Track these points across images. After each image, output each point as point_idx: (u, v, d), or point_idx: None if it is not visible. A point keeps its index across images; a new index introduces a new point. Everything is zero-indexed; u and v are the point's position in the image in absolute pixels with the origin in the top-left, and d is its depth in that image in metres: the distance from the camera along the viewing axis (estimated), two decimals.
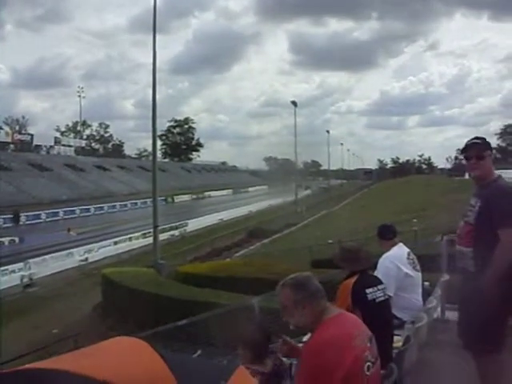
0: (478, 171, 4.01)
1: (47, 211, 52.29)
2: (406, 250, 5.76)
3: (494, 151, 4.41)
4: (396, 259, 5.51)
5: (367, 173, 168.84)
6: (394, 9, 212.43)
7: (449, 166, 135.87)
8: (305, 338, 5.31)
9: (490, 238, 3.73)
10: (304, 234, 40.17)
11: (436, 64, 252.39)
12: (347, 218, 45.58)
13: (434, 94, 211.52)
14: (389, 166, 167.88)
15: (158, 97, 26.07)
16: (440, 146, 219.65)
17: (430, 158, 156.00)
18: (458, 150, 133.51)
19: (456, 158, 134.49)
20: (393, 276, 5.35)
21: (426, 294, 5.88)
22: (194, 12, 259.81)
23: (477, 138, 4.12)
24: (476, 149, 4.00)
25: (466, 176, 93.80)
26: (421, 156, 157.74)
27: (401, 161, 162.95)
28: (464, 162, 4.24)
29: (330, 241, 28.07)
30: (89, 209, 58.78)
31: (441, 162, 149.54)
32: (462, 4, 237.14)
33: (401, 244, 5.75)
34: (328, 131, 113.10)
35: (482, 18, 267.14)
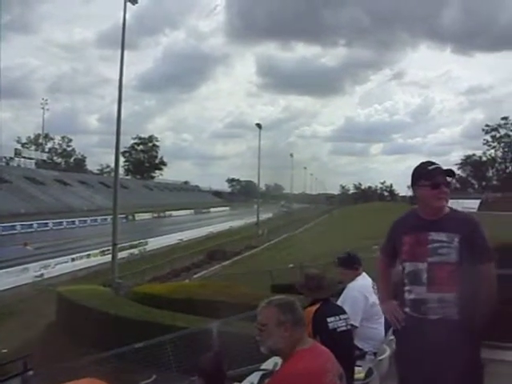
0: (444, 202, 3.38)
1: (3, 224, 51.15)
2: (370, 280, 5.71)
3: (453, 181, 4.01)
4: (363, 289, 5.44)
5: (329, 198, 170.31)
6: (361, 37, 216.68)
7: (410, 193, 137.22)
8: (263, 366, 5.22)
9: (472, 277, 3.19)
10: (265, 257, 40.09)
11: (401, 93, 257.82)
12: (308, 243, 45.63)
13: (398, 122, 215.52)
14: (351, 191, 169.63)
15: (123, 113, 26.01)
16: (402, 173, 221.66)
17: (391, 186, 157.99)
18: None
19: None
20: (360, 307, 5.25)
21: (388, 324, 5.83)
22: (165, 30, 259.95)
23: (435, 163, 3.46)
24: (445, 175, 3.38)
25: None
26: (383, 183, 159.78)
27: (363, 187, 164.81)
28: (420, 189, 3.44)
29: (291, 265, 28.02)
30: (47, 223, 57.85)
31: (402, 190, 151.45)
32: (426, 36, 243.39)
33: (365, 274, 5.69)
34: (292, 155, 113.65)
35: (445, 51, 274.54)
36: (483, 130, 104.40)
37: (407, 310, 3.41)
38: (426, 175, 3.40)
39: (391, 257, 3.69)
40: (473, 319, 3.19)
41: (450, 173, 3.41)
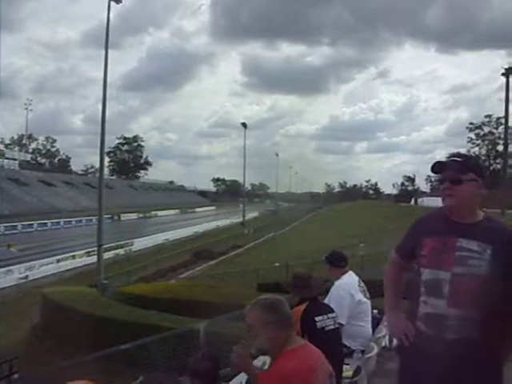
0: (453, 200, 2.79)
1: None
2: (356, 277, 5.73)
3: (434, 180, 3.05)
4: (349, 287, 5.45)
5: (315, 196, 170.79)
6: (346, 36, 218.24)
7: (395, 191, 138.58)
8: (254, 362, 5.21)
9: (502, 295, 2.63)
10: (251, 257, 40.13)
11: (385, 92, 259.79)
12: (294, 241, 45.73)
13: (383, 121, 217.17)
14: (336, 190, 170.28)
15: (107, 113, 25.89)
16: (387, 172, 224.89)
17: (376, 184, 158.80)
18: (405, 176, 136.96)
19: (402, 184, 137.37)
20: (346, 304, 5.28)
21: (375, 321, 5.85)
22: (149, 29, 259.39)
23: (458, 154, 2.94)
24: (451, 169, 2.82)
25: (412, 202, 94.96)
26: (368, 181, 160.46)
27: (348, 185, 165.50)
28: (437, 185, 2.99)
29: (277, 264, 28.09)
30: (31, 225, 57.35)
31: (387, 188, 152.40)
32: (411, 34, 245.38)
33: (351, 272, 5.71)
34: (277, 154, 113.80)
35: (429, 50, 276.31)
36: (467, 127, 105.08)
37: (419, 324, 2.86)
38: (438, 168, 2.92)
39: (407, 259, 3.14)
40: (497, 345, 2.73)
41: (443, 166, 2.88)
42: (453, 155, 2.90)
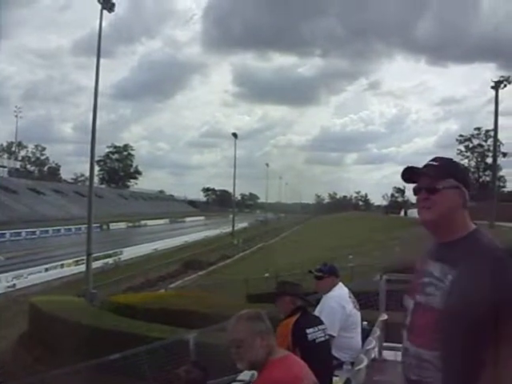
0: (429, 213, 2.22)
1: None
2: (346, 289, 5.74)
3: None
4: (340, 299, 5.46)
5: (304, 207, 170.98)
6: (337, 47, 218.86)
7: (385, 203, 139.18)
8: (240, 376, 5.20)
9: (472, 338, 1.98)
10: (240, 267, 40.03)
11: (376, 103, 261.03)
12: (284, 252, 45.68)
13: (373, 132, 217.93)
14: (326, 201, 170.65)
15: (98, 121, 25.86)
16: (377, 183, 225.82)
17: (366, 195, 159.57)
18: (395, 187, 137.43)
19: (392, 195, 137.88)
20: (337, 317, 5.29)
21: (365, 333, 5.85)
22: (141, 38, 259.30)
23: (435, 158, 2.33)
24: (427, 175, 2.25)
25: (402, 213, 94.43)
26: (358, 193, 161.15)
27: (338, 196, 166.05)
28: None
29: (267, 274, 28.05)
30: (20, 233, 57.05)
31: (377, 199, 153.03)
32: (402, 46, 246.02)
33: (341, 284, 5.72)
34: (267, 164, 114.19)
35: (420, 62, 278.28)
36: (457, 140, 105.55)
37: None
38: (409, 175, 2.34)
39: None
40: None
41: (416, 172, 2.31)
42: (435, 159, 2.32)
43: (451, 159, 2.38)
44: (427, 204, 2.22)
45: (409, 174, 2.30)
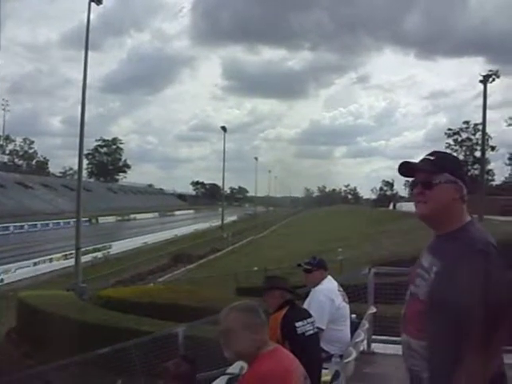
0: (424, 208, 2.28)
1: None
2: (335, 282, 5.75)
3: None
4: (329, 292, 5.47)
5: (294, 200, 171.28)
6: (326, 41, 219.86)
7: (374, 196, 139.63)
8: (230, 369, 5.22)
9: (452, 330, 2.02)
10: (229, 260, 40.06)
11: (365, 96, 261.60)
12: (273, 245, 45.81)
13: (362, 125, 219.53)
14: (315, 194, 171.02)
15: (87, 115, 25.67)
16: (366, 176, 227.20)
17: (355, 189, 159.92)
18: (384, 181, 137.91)
19: (381, 188, 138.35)
20: (327, 310, 5.30)
21: (354, 326, 5.87)
22: (130, 32, 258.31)
23: (431, 152, 2.37)
24: (422, 170, 2.30)
25: (391, 207, 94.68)
26: (347, 186, 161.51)
27: (327, 190, 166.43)
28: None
29: (256, 268, 28.10)
30: (8, 227, 56.81)
31: (366, 193, 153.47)
32: (390, 40, 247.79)
33: (330, 277, 5.73)
34: (256, 158, 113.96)
35: (409, 55, 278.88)
36: (445, 133, 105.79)
37: None
38: (406, 170, 2.40)
39: None
40: None
41: (411, 167, 2.36)
42: (432, 153, 2.36)
43: (448, 153, 2.46)
44: (423, 198, 2.27)
45: (405, 168, 2.35)
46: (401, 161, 2.30)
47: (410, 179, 2.38)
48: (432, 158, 2.31)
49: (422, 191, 2.28)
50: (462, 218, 2.26)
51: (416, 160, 2.33)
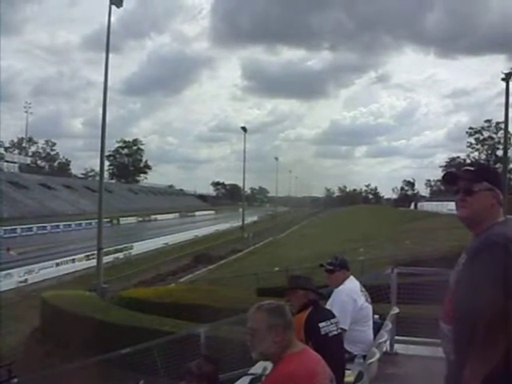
0: (465, 211, 2.60)
1: None
2: (357, 282, 5.72)
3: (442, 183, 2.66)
4: (352, 292, 5.45)
5: (314, 200, 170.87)
6: (346, 41, 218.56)
7: (395, 196, 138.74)
8: (252, 370, 5.20)
9: (471, 313, 2.28)
10: (250, 261, 40.03)
11: (386, 96, 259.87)
12: (294, 246, 45.63)
13: (383, 125, 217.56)
14: (336, 194, 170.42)
15: (108, 117, 25.85)
16: (386, 176, 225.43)
17: (376, 188, 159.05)
18: (405, 180, 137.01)
19: (402, 188, 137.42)
20: (349, 310, 5.28)
21: (377, 327, 5.84)
22: (150, 34, 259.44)
23: (472, 163, 2.72)
24: (464, 179, 2.64)
25: (412, 207, 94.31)
26: (367, 186, 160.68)
27: (348, 190, 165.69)
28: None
29: (277, 268, 28.06)
30: (31, 228, 57.31)
31: (387, 193, 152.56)
32: (410, 39, 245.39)
33: (352, 277, 5.70)
34: (277, 158, 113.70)
35: (429, 54, 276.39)
36: (467, 132, 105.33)
37: None
38: (450, 178, 2.77)
39: None
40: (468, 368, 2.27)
41: (455, 176, 2.72)
42: (467, 164, 2.75)
43: (487, 164, 2.94)
44: (464, 204, 2.62)
45: (449, 176, 2.76)
46: (421, 160, 2.49)
47: (433, 179, 2.62)
48: (472, 168, 2.68)
49: (463, 197, 2.62)
50: (496, 218, 2.58)
51: (437, 161, 2.50)
